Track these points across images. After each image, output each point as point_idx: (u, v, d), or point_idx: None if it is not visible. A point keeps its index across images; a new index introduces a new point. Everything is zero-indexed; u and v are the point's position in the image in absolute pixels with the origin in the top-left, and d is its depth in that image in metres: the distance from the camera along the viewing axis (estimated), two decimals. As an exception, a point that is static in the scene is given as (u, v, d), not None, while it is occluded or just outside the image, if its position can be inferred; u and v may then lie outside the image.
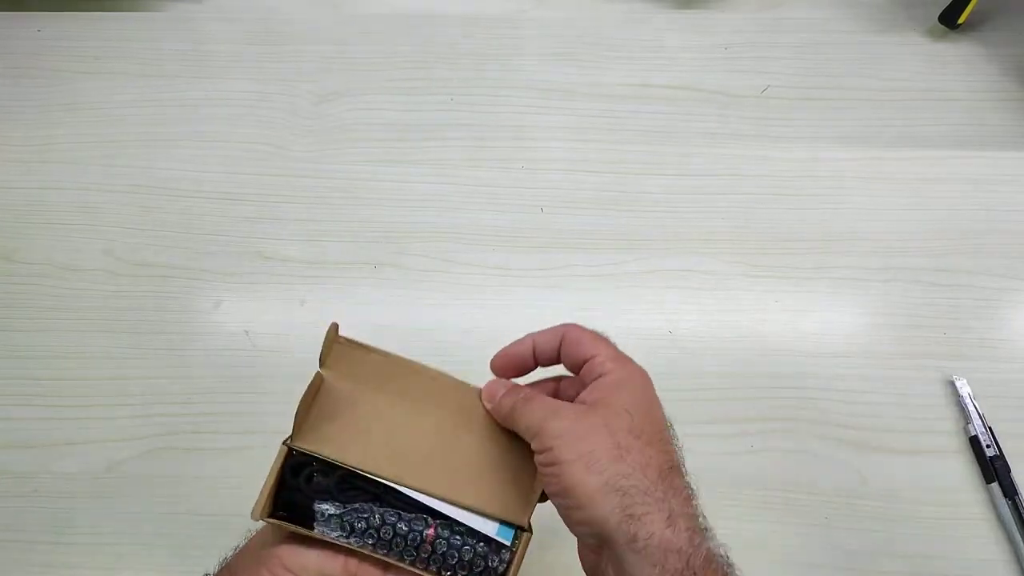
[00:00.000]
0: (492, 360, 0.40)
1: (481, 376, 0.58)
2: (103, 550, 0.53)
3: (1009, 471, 0.54)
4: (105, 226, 0.65)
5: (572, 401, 0.36)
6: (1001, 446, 0.55)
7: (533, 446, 0.35)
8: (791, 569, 0.52)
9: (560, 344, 0.38)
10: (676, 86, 0.71)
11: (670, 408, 0.58)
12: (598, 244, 0.64)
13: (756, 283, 0.62)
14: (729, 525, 0.54)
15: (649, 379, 0.37)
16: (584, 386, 0.37)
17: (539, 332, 0.39)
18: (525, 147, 0.68)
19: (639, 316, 0.61)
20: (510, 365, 0.39)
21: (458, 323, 0.60)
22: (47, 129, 0.70)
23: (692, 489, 0.35)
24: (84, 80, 0.72)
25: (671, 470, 0.34)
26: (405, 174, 0.67)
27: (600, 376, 0.36)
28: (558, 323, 0.39)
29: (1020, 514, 0.53)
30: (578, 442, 0.33)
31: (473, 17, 0.75)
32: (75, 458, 0.56)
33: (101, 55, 0.74)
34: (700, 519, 0.34)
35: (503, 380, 0.39)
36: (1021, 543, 0.52)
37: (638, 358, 0.59)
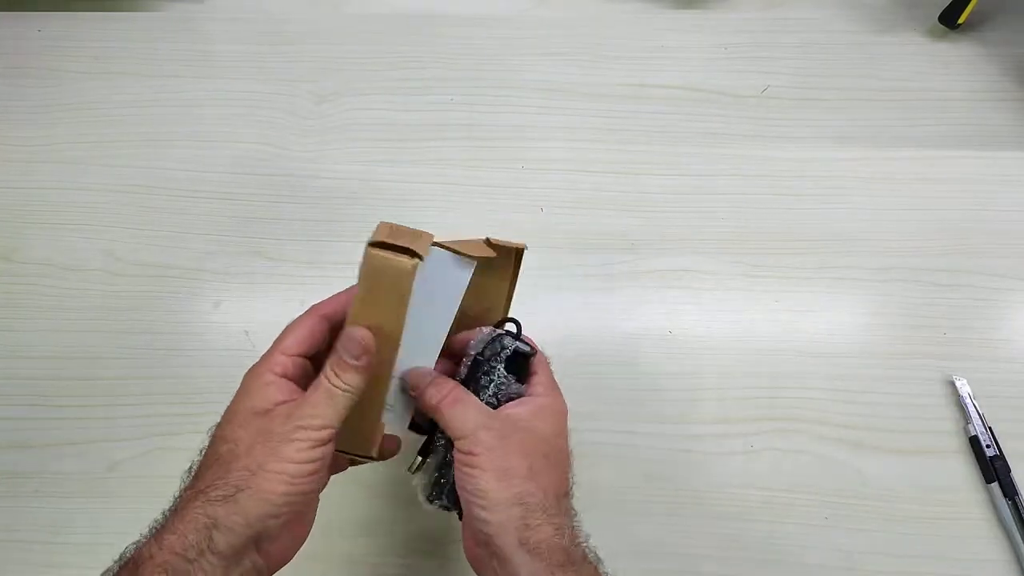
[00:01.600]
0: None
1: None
2: (103, 550, 0.53)
3: (1009, 471, 0.54)
4: (105, 226, 0.65)
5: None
6: (1001, 446, 0.55)
7: (457, 445, 0.39)
8: (791, 569, 0.52)
9: None
10: (676, 86, 0.71)
11: (670, 409, 0.58)
12: (598, 244, 0.64)
13: (756, 283, 0.62)
14: (729, 525, 0.54)
15: (566, 412, 0.43)
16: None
17: (504, 320, 0.46)
18: (525, 147, 0.68)
19: (639, 316, 0.61)
20: (454, 346, 0.45)
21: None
22: (47, 129, 0.70)
23: (575, 512, 0.40)
24: (84, 80, 0.72)
25: (565, 495, 0.40)
26: (405, 174, 0.67)
27: (533, 396, 0.42)
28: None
29: (1020, 514, 0.53)
30: (499, 457, 0.38)
31: (473, 17, 0.75)
32: (75, 458, 0.56)
33: (101, 55, 0.74)
34: (580, 531, 0.39)
35: (427, 368, 0.42)
36: (1021, 543, 0.52)
37: (638, 358, 0.60)
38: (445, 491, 0.42)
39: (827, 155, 0.68)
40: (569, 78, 0.72)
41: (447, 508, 0.42)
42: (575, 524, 0.39)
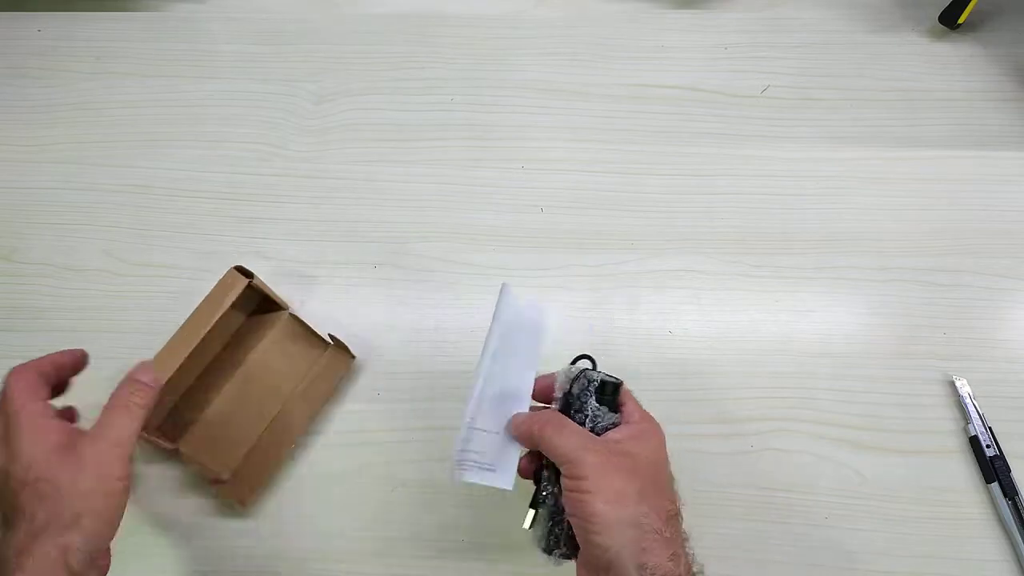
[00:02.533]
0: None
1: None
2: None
3: (1009, 471, 0.54)
4: (105, 226, 0.65)
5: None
6: (1001, 446, 0.55)
7: (564, 471, 0.40)
8: (791, 569, 0.53)
9: None
10: (676, 86, 0.71)
11: (671, 409, 0.58)
12: (598, 244, 0.64)
13: (756, 283, 0.62)
14: (729, 525, 0.54)
15: (664, 438, 0.43)
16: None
17: (579, 358, 0.46)
18: (525, 147, 0.68)
19: (639, 316, 0.61)
20: (541, 392, 0.46)
21: (458, 323, 0.60)
22: (47, 129, 0.70)
23: (687, 535, 0.41)
24: (84, 80, 0.72)
25: (675, 517, 0.40)
26: (405, 174, 0.67)
27: (628, 423, 0.43)
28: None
29: (1020, 514, 0.53)
30: (608, 478, 0.39)
31: (473, 17, 0.75)
32: (75, 458, 0.56)
33: (101, 55, 0.74)
34: (694, 558, 0.40)
35: (524, 412, 0.44)
36: (1021, 543, 0.52)
37: (638, 358, 0.60)
38: (562, 539, 0.42)
39: (827, 155, 0.68)
40: (569, 78, 0.72)
41: (567, 557, 0.42)
42: (689, 551, 0.40)
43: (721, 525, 0.54)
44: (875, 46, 0.73)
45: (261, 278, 0.56)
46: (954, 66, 0.72)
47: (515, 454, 0.45)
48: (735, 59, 0.73)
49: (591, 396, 0.43)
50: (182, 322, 0.54)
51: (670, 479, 0.42)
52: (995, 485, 0.54)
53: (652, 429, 0.43)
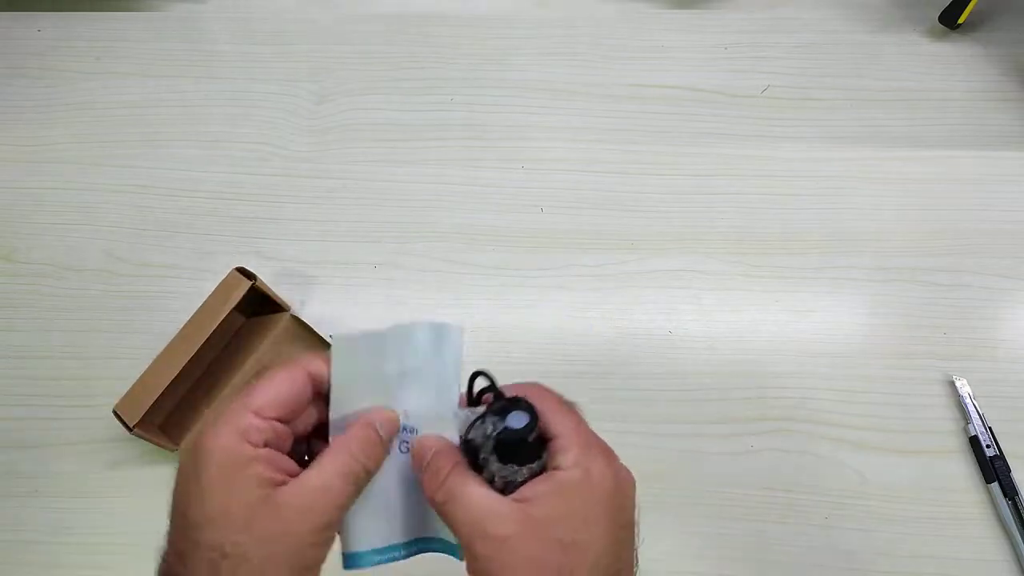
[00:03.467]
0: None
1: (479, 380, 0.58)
2: (103, 550, 0.53)
3: (1009, 471, 0.54)
4: (105, 226, 0.65)
5: None
6: (1001, 446, 0.55)
7: (464, 552, 0.29)
8: (791, 569, 0.52)
9: None
10: (676, 86, 0.71)
11: (671, 409, 0.58)
12: (598, 244, 0.64)
13: (756, 283, 0.62)
14: (729, 525, 0.54)
15: (618, 486, 0.30)
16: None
17: (474, 375, 0.34)
18: (525, 147, 0.68)
19: (639, 316, 0.61)
20: None
21: (458, 323, 0.60)
22: (47, 129, 0.70)
23: None
24: (84, 80, 0.72)
25: None
26: (405, 174, 0.67)
27: (555, 469, 0.30)
28: (525, 380, 0.33)
29: (1020, 514, 0.53)
30: (517, 557, 0.28)
31: (473, 17, 0.75)
32: (75, 458, 0.56)
33: (101, 55, 0.74)
34: None
35: (432, 441, 0.32)
36: (1021, 543, 0.52)
37: (638, 358, 0.60)
38: None
39: (827, 155, 0.68)
40: (569, 78, 0.72)
41: None
42: None
43: (721, 525, 0.54)
44: (875, 46, 0.73)
45: (261, 278, 0.56)
46: (954, 66, 0.72)
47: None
48: (735, 59, 0.73)
49: (492, 454, 0.31)
50: (182, 322, 0.54)
51: (619, 541, 0.30)
52: (995, 485, 0.54)
53: (591, 473, 0.29)
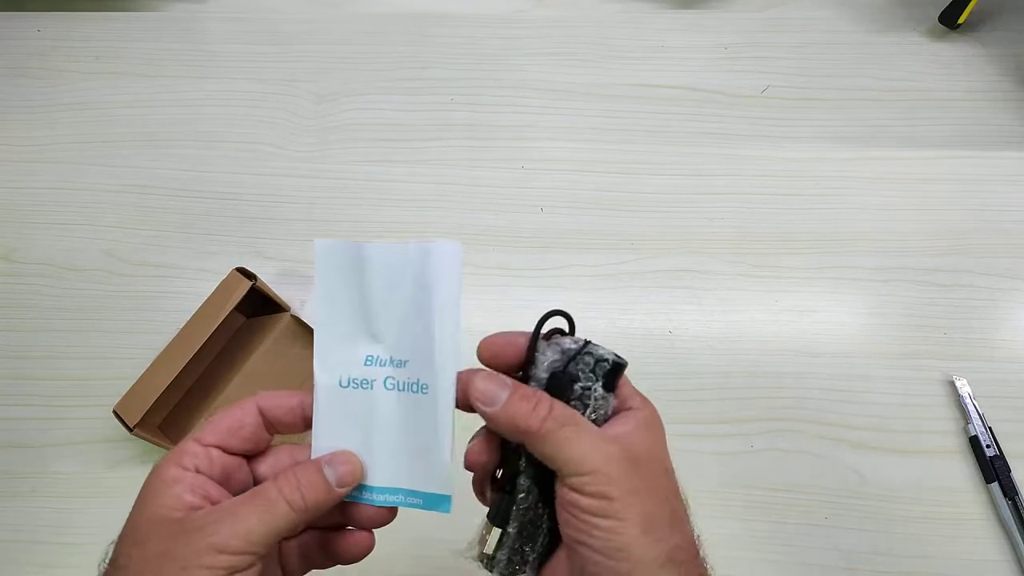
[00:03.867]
0: (483, 345, 0.34)
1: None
2: (103, 550, 0.53)
3: (1009, 471, 0.54)
4: (105, 226, 0.65)
5: None
6: (1001, 446, 0.55)
7: (575, 484, 0.29)
8: (791, 569, 0.52)
9: None
10: (676, 86, 0.71)
11: (671, 409, 0.58)
12: (598, 244, 0.64)
13: (756, 283, 0.62)
14: (729, 525, 0.54)
15: (663, 424, 0.33)
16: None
17: (547, 315, 0.34)
18: (525, 147, 0.68)
19: (639, 316, 0.61)
20: (503, 356, 0.33)
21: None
22: (47, 129, 0.70)
23: (712, 570, 0.33)
24: (84, 80, 0.72)
25: (698, 539, 0.32)
26: (405, 174, 0.67)
27: (630, 409, 0.32)
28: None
29: (1020, 514, 0.53)
30: (638, 498, 0.29)
31: (473, 17, 0.75)
32: (75, 458, 0.56)
33: (101, 55, 0.74)
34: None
35: (502, 377, 0.32)
36: (1021, 543, 0.52)
37: (638, 358, 0.60)
38: (531, 561, 0.32)
39: (827, 155, 0.68)
40: (569, 78, 0.72)
41: None
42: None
43: (721, 525, 0.54)
44: (875, 46, 0.73)
45: (261, 278, 0.56)
46: (954, 66, 0.72)
47: (444, 449, 0.32)
48: (735, 59, 0.73)
49: (597, 381, 0.31)
50: (182, 322, 0.54)
51: (671, 467, 0.33)
52: (995, 485, 0.54)
53: (655, 415, 0.33)
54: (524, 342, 0.33)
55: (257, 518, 0.29)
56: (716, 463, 0.55)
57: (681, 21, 0.75)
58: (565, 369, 0.32)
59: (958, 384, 0.57)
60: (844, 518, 0.54)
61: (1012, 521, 0.52)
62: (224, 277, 0.55)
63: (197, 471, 0.30)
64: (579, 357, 0.32)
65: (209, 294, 0.55)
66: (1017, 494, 0.53)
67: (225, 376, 0.57)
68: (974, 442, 0.55)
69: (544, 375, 0.32)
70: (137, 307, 0.62)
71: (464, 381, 0.32)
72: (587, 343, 0.32)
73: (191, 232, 0.65)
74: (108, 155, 0.68)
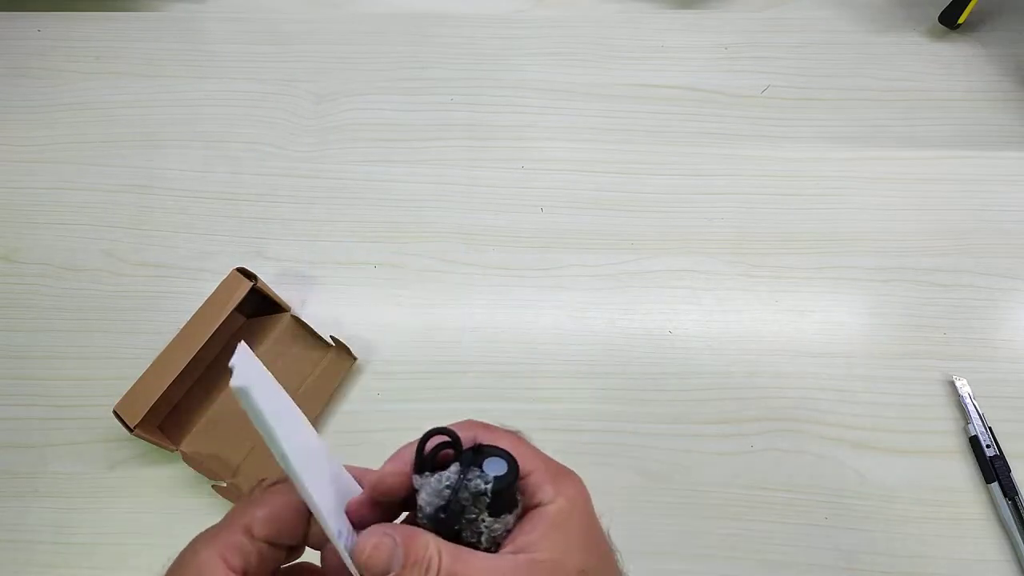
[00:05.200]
0: (372, 483, 0.30)
1: (479, 379, 0.58)
2: (103, 551, 0.53)
3: (1009, 471, 0.54)
4: (105, 226, 0.65)
5: None
6: (1001, 446, 0.55)
7: None
8: (791, 569, 0.52)
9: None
10: (676, 86, 0.71)
11: (671, 409, 0.58)
12: (598, 244, 0.64)
13: (756, 283, 0.62)
14: (729, 525, 0.54)
15: (588, 498, 0.29)
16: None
17: (427, 435, 0.30)
18: (525, 147, 0.68)
19: (639, 316, 0.61)
20: (393, 492, 0.30)
21: (458, 323, 0.60)
22: (47, 129, 0.70)
23: None
24: (84, 80, 0.72)
25: None
26: (405, 174, 0.67)
27: (537, 505, 0.29)
28: (458, 418, 0.31)
29: (1020, 514, 0.53)
30: None
31: (473, 17, 0.75)
32: (75, 458, 0.56)
33: (102, 55, 0.74)
34: None
35: (390, 533, 0.27)
36: (1021, 543, 0.52)
37: (638, 358, 0.60)
38: None
39: (827, 155, 0.68)
40: (569, 78, 0.72)
41: None
42: None
43: (721, 525, 0.54)
44: (875, 46, 0.73)
45: (262, 278, 0.56)
46: (954, 66, 0.72)
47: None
48: (735, 59, 0.73)
49: (483, 511, 0.28)
50: (182, 322, 0.54)
51: (613, 562, 0.30)
52: (995, 485, 0.54)
53: (572, 499, 0.29)
54: (399, 470, 0.30)
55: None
56: (716, 463, 0.55)
57: (681, 21, 0.75)
58: (447, 507, 0.29)
59: (958, 384, 0.57)
60: (844, 518, 0.54)
61: (1012, 521, 0.52)
62: (224, 277, 0.55)
63: (246, 572, 0.27)
64: (461, 491, 0.28)
65: (209, 294, 0.55)
66: (1017, 494, 0.53)
67: (225, 376, 0.57)
68: (974, 442, 0.55)
69: (429, 513, 0.29)
70: (137, 307, 0.62)
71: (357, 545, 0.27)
72: (462, 474, 0.29)
73: (191, 232, 0.65)
74: (108, 155, 0.68)
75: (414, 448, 0.30)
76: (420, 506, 0.29)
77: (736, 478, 0.55)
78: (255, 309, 0.60)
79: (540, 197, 0.66)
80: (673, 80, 0.72)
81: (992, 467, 0.54)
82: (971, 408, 0.56)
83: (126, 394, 0.51)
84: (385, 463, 0.30)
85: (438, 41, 0.74)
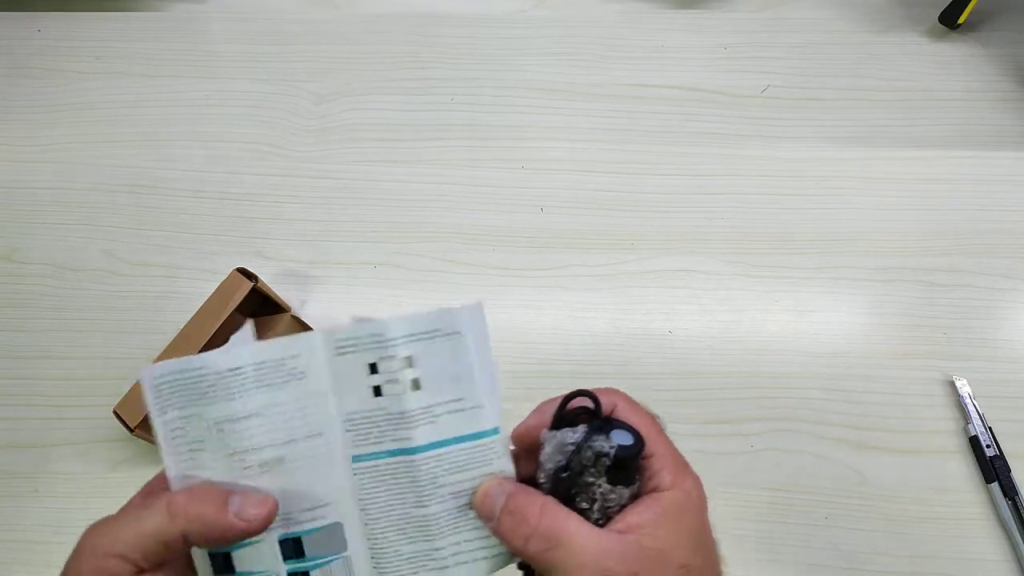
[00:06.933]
0: (517, 430, 0.32)
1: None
2: None
3: (1009, 471, 0.54)
4: (105, 226, 0.65)
5: None
6: (1001, 446, 0.55)
7: None
8: (791, 569, 0.52)
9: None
10: (676, 86, 0.71)
11: (671, 409, 0.58)
12: (598, 244, 0.64)
13: (756, 283, 0.62)
14: (729, 525, 0.54)
15: (705, 499, 0.30)
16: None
17: (571, 395, 0.31)
18: (525, 147, 0.68)
19: (639, 316, 0.61)
20: (528, 438, 0.31)
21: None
22: (47, 129, 0.70)
23: None
24: (85, 80, 0.72)
25: None
26: (405, 174, 0.67)
27: (654, 490, 0.29)
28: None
29: (1020, 514, 0.53)
30: None
31: (473, 17, 0.75)
32: (75, 458, 0.56)
33: (102, 55, 0.74)
34: None
35: (506, 483, 0.29)
36: (1021, 543, 0.52)
37: (638, 358, 0.60)
38: None
39: (827, 155, 0.68)
40: (569, 78, 0.72)
41: None
42: None
43: (721, 525, 0.54)
44: (875, 46, 0.73)
45: (262, 279, 0.56)
46: (954, 66, 0.72)
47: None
48: (735, 59, 0.73)
49: (601, 476, 0.29)
50: (182, 322, 0.54)
51: (717, 557, 0.30)
52: (995, 485, 0.54)
53: (687, 494, 0.29)
54: (541, 424, 0.31)
55: (130, 516, 0.28)
56: (716, 463, 0.55)
57: (681, 21, 0.75)
58: (567, 465, 0.29)
59: (958, 384, 0.57)
60: (844, 518, 0.54)
61: (1012, 521, 0.52)
62: (224, 277, 0.55)
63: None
64: (580, 453, 0.29)
65: (209, 294, 0.55)
66: (1017, 494, 0.53)
67: None
68: (974, 442, 0.55)
69: (550, 470, 0.30)
70: (137, 307, 0.62)
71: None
72: (589, 435, 0.29)
73: (191, 232, 0.65)
74: (108, 155, 0.68)
75: (555, 405, 0.31)
76: (541, 462, 0.30)
77: (736, 478, 0.55)
78: (255, 309, 0.59)
79: (540, 197, 0.66)
80: (673, 80, 0.72)
81: (992, 467, 0.54)
82: (971, 408, 0.56)
83: (126, 394, 0.51)
84: (529, 416, 0.32)
85: (438, 41, 0.74)
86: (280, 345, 0.29)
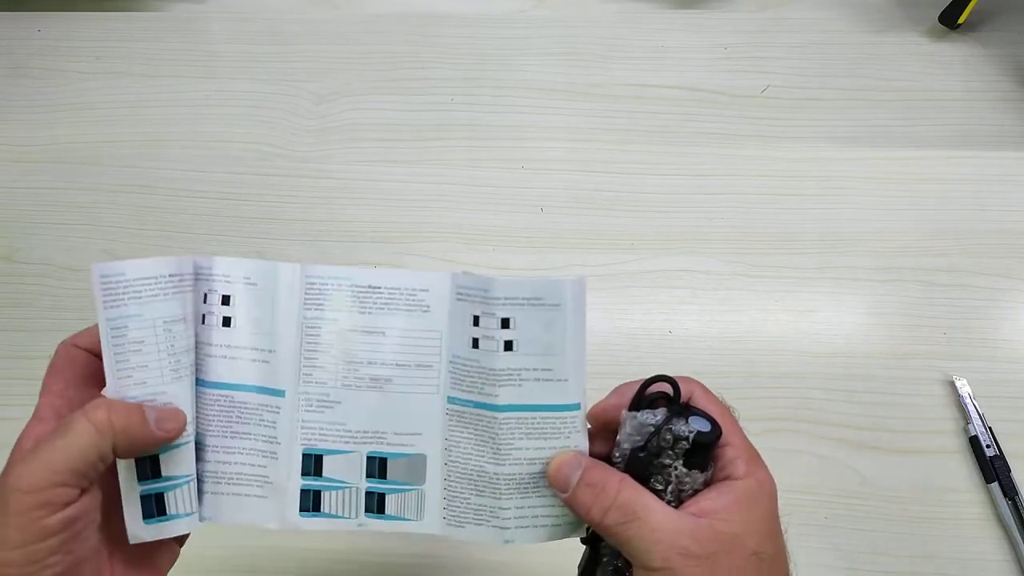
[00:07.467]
0: (595, 410, 0.33)
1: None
2: (103, 550, 0.53)
3: (1009, 471, 0.54)
4: (105, 226, 0.65)
5: None
6: (1001, 446, 0.55)
7: (647, 572, 0.28)
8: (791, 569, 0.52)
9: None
10: (676, 86, 0.71)
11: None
12: (598, 244, 0.64)
13: (756, 283, 0.62)
14: (729, 525, 0.54)
15: (776, 491, 0.31)
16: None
17: (651, 380, 0.32)
18: (525, 147, 0.68)
19: (639, 316, 0.61)
20: (605, 416, 0.32)
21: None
22: (47, 129, 0.70)
23: None
24: (85, 80, 0.72)
25: None
26: (405, 174, 0.67)
27: (727, 478, 0.30)
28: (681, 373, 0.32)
29: (1020, 514, 0.53)
30: None
31: (473, 17, 0.75)
32: (75, 458, 0.56)
33: (102, 55, 0.74)
34: None
35: (582, 457, 0.31)
36: (1021, 543, 0.52)
37: (638, 358, 0.60)
38: None
39: (827, 155, 0.68)
40: (569, 78, 0.72)
41: None
42: None
43: (721, 525, 0.54)
44: (875, 46, 0.73)
45: None
46: (954, 66, 0.72)
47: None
48: (735, 59, 0.73)
49: (678, 459, 0.30)
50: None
51: (786, 558, 0.31)
52: (995, 485, 0.54)
53: (761, 484, 0.30)
54: (620, 404, 0.32)
55: (56, 446, 0.29)
56: (716, 463, 0.55)
57: (681, 21, 0.75)
58: (645, 446, 0.30)
59: (958, 384, 0.57)
60: (844, 518, 0.54)
61: (1012, 521, 0.52)
62: None
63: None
64: (657, 436, 0.30)
65: (209, 294, 0.55)
66: (1017, 494, 0.53)
67: None
68: (974, 442, 0.55)
69: (626, 450, 0.31)
70: (137, 307, 0.62)
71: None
72: (669, 418, 0.30)
73: (191, 232, 0.65)
74: (108, 155, 0.68)
75: (634, 388, 0.32)
76: (618, 441, 0.31)
77: (736, 478, 0.55)
78: None
79: (540, 197, 0.66)
80: (673, 80, 0.72)
81: (992, 467, 0.54)
82: (971, 408, 0.56)
83: None
84: (608, 396, 0.33)
85: (438, 41, 0.74)
86: (416, 277, 0.32)
